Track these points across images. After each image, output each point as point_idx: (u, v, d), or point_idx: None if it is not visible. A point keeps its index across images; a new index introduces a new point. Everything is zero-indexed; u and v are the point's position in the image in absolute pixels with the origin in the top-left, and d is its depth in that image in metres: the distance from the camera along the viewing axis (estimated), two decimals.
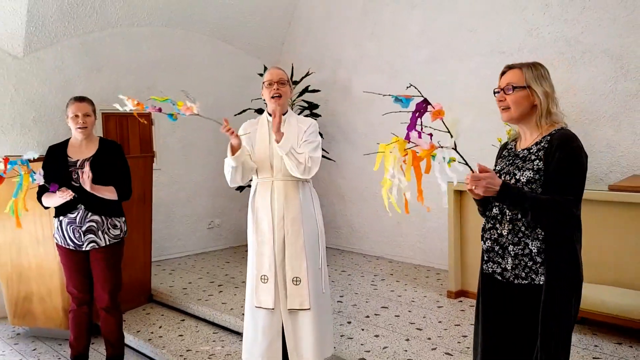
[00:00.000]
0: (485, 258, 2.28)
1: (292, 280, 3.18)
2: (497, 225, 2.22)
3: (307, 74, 6.31)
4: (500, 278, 2.22)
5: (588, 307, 3.71)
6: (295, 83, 6.25)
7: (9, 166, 3.20)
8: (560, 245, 2.10)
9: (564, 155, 2.06)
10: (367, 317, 4.29)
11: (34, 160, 3.37)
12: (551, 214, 2.03)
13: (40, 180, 3.23)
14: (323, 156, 6.28)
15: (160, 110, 2.98)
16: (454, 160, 1.98)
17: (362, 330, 4.01)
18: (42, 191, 3.45)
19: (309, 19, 6.93)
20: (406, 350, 3.61)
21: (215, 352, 3.97)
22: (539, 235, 2.11)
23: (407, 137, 2.02)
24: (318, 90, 6.35)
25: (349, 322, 4.17)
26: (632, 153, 4.39)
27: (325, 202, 6.84)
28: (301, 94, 6.28)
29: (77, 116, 3.49)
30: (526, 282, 2.14)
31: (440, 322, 4.12)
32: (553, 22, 4.74)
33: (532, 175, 2.10)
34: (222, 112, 6.34)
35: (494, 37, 5.15)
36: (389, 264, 5.99)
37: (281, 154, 3.06)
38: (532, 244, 2.12)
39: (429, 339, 3.80)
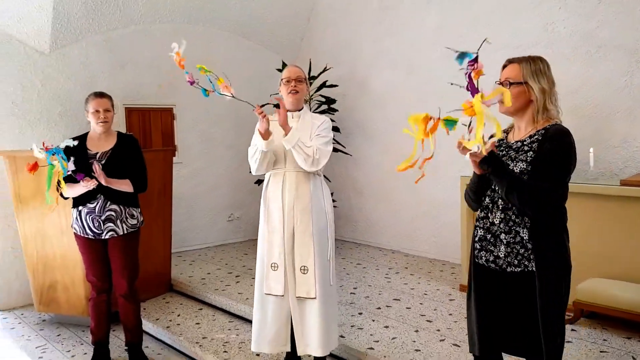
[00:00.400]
0: (478, 247, 2.34)
1: (300, 269, 3.27)
2: (489, 215, 2.29)
3: (325, 70, 6.38)
4: (493, 266, 2.29)
5: (598, 301, 3.73)
6: (313, 78, 6.34)
7: (47, 154, 3.32)
8: (547, 234, 2.18)
9: (554, 147, 2.13)
10: (379, 308, 4.36)
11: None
12: (520, 193, 2.10)
13: (71, 168, 3.35)
14: (340, 150, 6.42)
15: (193, 82, 3.06)
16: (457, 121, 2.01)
17: (373, 321, 4.08)
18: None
19: (328, 15, 7.00)
20: (414, 341, 3.68)
21: (230, 339, 4.09)
22: (527, 224, 2.18)
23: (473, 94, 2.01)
24: (336, 85, 6.43)
25: (360, 313, 4.25)
26: None
27: (342, 196, 6.93)
28: (319, 89, 6.36)
29: (98, 111, 3.63)
30: (519, 269, 2.21)
31: (450, 314, 4.17)
32: (569, 16, 4.73)
33: (525, 167, 2.18)
34: (241, 106, 6.45)
35: (509, 32, 5.15)
36: (404, 257, 6.05)
37: (288, 148, 3.14)
38: (522, 231, 2.19)
39: (438, 330, 3.86)
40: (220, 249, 6.76)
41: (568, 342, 3.58)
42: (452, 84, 2.33)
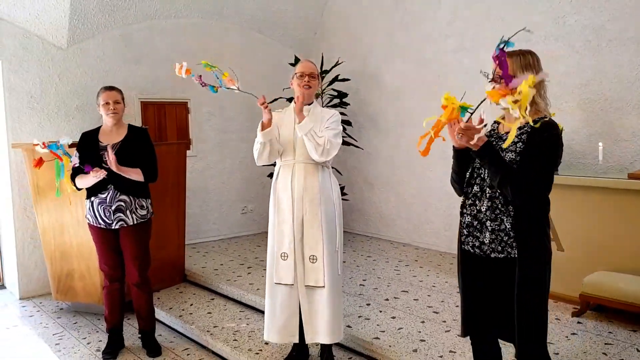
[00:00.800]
0: (465, 233, 2.44)
1: (309, 258, 3.34)
2: (477, 202, 2.38)
3: (337, 64, 6.43)
4: (478, 251, 2.38)
5: (605, 294, 3.75)
6: (326, 72, 6.39)
7: (47, 149, 3.48)
8: (530, 223, 2.26)
9: (543, 140, 2.20)
10: (387, 300, 4.42)
11: (71, 146, 3.67)
12: (512, 183, 2.19)
13: (76, 161, 3.49)
14: (352, 144, 6.46)
15: (203, 83, 3.15)
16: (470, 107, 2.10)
17: (380, 312, 4.14)
18: (75, 173, 3.72)
19: (342, 8, 7.04)
20: (420, 332, 3.73)
21: (240, 328, 4.18)
22: (511, 212, 2.26)
23: (507, 82, 2.06)
24: (348, 79, 6.47)
25: (368, 304, 4.31)
26: None
27: (354, 189, 6.98)
28: (331, 83, 6.41)
29: (108, 103, 3.76)
30: (502, 255, 2.31)
31: (457, 306, 4.20)
32: (580, 9, 4.72)
33: (513, 157, 2.26)
34: (254, 100, 6.53)
35: (521, 25, 5.11)
36: (415, 250, 6.09)
37: (300, 134, 3.22)
38: (506, 219, 2.28)
39: (444, 321, 3.91)
40: (233, 241, 6.86)
41: (573, 334, 3.61)
42: (481, 72, 2.40)
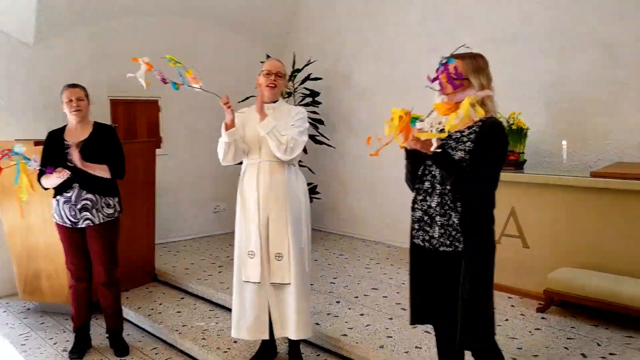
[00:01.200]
0: (416, 227, 2.53)
1: (275, 256, 3.35)
2: (428, 198, 2.47)
3: (309, 63, 6.44)
4: (428, 245, 2.47)
5: (568, 290, 3.82)
6: (298, 71, 6.40)
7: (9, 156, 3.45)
8: (476, 218, 2.36)
9: (493, 140, 2.33)
10: (356, 297, 4.45)
11: (37, 144, 3.62)
12: (463, 183, 2.31)
13: (36, 165, 3.46)
14: (324, 143, 6.48)
15: (164, 80, 3.11)
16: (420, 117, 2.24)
17: (349, 309, 4.17)
18: (41, 174, 3.67)
19: (314, 8, 7.05)
20: (387, 328, 3.76)
21: (209, 327, 4.17)
22: (459, 209, 2.36)
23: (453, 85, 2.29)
24: (320, 78, 6.49)
25: (338, 302, 4.33)
26: (621, 141, 4.45)
27: (326, 188, 7.00)
28: (303, 82, 6.42)
29: (71, 100, 3.72)
30: (450, 249, 2.40)
31: None
32: (546, 11, 4.80)
33: (462, 156, 2.36)
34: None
35: (489, 25, 5.22)
36: (386, 248, 6.13)
37: (262, 134, 3.22)
38: (454, 215, 2.37)
39: None
40: (205, 240, 6.83)
41: (537, 329, 3.68)
42: (427, 86, 2.51)
